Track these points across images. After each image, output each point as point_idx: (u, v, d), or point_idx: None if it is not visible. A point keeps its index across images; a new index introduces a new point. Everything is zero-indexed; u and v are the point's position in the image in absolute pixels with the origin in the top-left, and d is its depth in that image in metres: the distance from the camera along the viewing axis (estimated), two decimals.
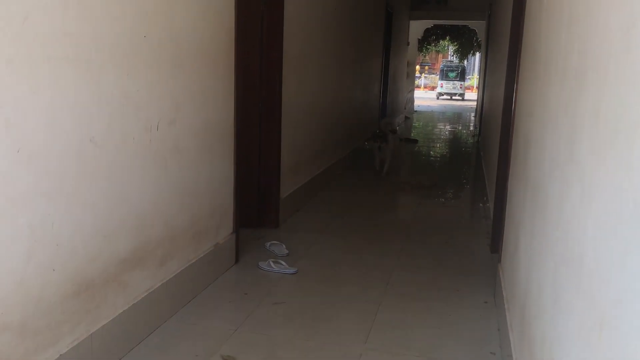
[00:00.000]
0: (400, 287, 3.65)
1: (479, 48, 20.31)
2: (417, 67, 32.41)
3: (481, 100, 12.04)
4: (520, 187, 2.89)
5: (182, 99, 3.04)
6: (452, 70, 26.23)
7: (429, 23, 16.72)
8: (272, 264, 3.82)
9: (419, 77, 33.36)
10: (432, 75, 34.53)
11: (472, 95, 25.93)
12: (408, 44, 14.97)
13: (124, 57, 2.51)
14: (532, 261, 2.20)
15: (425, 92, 30.69)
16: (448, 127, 15.01)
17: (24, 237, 2.02)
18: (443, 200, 6.48)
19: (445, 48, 29.84)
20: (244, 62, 3.96)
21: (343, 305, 3.35)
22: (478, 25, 15.50)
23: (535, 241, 2.13)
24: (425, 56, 32.91)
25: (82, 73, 2.24)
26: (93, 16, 2.28)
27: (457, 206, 6.42)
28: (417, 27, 16.15)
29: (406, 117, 15.40)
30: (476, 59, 27.69)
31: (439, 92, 26.44)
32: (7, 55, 1.88)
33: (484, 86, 11.26)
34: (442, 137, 13.08)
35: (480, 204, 6.16)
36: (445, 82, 26.32)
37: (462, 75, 26.28)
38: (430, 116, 17.71)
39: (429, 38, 20.89)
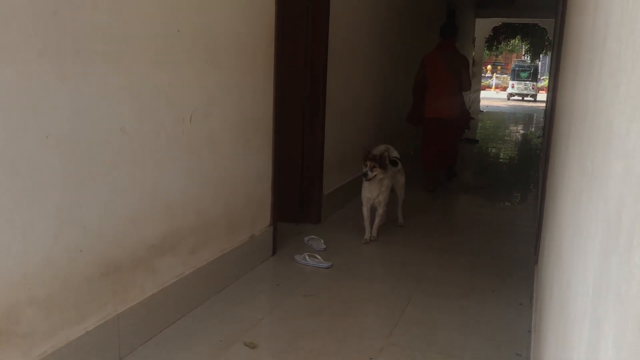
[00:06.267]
0: (433, 285, 3.61)
1: (550, 47, 19.60)
2: (489, 67, 31.62)
3: (548, 102, 11.64)
4: (552, 184, 2.80)
5: (216, 93, 3.13)
6: (524, 70, 25.45)
7: (497, 21, 16.31)
8: (307, 257, 3.87)
9: (490, 77, 32.52)
10: (504, 76, 33.59)
11: (544, 97, 25.08)
12: (473, 42, 14.66)
13: (156, 51, 2.63)
14: (548, 258, 2.14)
15: (497, 92, 29.90)
16: (514, 128, 14.59)
17: (52, 218, 2.15)
18: (494, 201, 6.32)
19: (518, 47, 28.97)
20: (288, 59, 4.04)
21: (372, 300, 3.36)
22: (548, 23, 14.96)
23: (549, 237, 2.07)
24: (497, 56, 32.07)
25: (111, 65, 2.36)
26: (124, 11, 2.40)
27: (507, 208, 6.25)
28: (484, 25, 15.78)
29: (471, 118, 15.09)
30: (549, 59, 26.73)
31: (510, 92, 25.71)
32: (38, 48, 2.02)
33: (551, 87, 10.88)
34: (507, 138, 12.73)
35: (534, 206, 5.97)
36: (516, 82, 25.57)
37: (534, 75, 25.45)
38: (498, 117, 17.26)
39: (499, 37, 20.36)
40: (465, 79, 6.19)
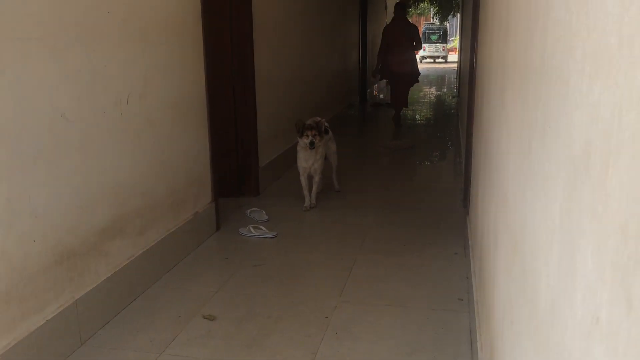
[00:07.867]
0: (375, 244, 3.80)
1: (459, 9, 20.25)
2: None
3: (460, 62, 12.11)
4: (477, 138, 3.02)
5: (150, 72, 3.12)
6: (434, 33, 26.21)
7: None
8: (252, 229, 3.95)
9: None
10: None
11: (455, 57, 25.97)
12: (386, 7, 14.93)
13: (90, 34, 2.59)
14: (483, 207, 2.34)
15: None
16: (430, 90, 15.10)
17: (2, 210, 2.12)
18: (420, 161, 6.62)
19: (427, 10, 29.66)
20: (213, 34, 4.03)
21: (320, 264, 3.50)
22: None
23: (486, 188, 2.26)
24: None
25: (48, 51, 2.32)
26: None
27: (433, 166, 6.57)
28: None
29: (388, 82, 15.45)
30: (458, 20, 27.58)
31: (422, 55, 26.40)
32: None
33: (461, 47, 11.31)
34: (424, 100, 13.18)
35: (456, 162, 6.31)
36: (427, 45, 26.27)
37: (444, 37, 26.27)
38: None
39: (409, 1, 20.77)
40: (418, 41, 8.50)
